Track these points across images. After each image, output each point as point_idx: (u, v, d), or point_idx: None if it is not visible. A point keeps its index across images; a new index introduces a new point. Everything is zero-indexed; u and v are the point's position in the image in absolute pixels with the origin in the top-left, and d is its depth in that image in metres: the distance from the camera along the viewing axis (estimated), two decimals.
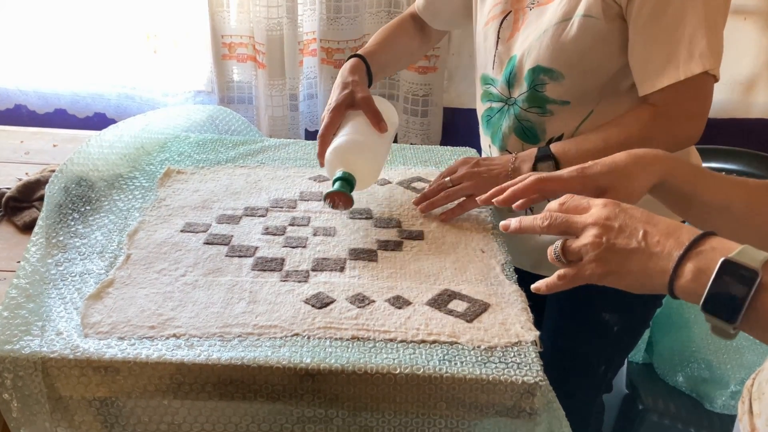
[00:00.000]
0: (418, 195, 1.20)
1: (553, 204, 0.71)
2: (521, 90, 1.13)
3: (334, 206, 1.07)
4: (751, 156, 1.66)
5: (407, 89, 1.93)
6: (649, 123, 1.02)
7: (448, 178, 1.14)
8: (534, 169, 1.07)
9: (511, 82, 1.14)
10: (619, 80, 1.07)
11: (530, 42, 1.09)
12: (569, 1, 1.04)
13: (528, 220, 0.72)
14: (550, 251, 0.70)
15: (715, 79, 1.00)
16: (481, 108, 1.23)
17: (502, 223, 0.75)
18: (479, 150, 1.47)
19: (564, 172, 0.80)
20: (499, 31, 1.15)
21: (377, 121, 1.13)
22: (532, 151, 1.09)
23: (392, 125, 1.20)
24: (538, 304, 1.02)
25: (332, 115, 1.13)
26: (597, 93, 1.08)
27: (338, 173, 1.07)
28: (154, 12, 1.89)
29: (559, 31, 1.05)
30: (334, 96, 1.16)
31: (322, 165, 1.13)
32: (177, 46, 1.94)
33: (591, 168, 0.79)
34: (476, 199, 0.96)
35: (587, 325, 1.26)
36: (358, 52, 1.26)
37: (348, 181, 1.06)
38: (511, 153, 1.15)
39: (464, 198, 1.13)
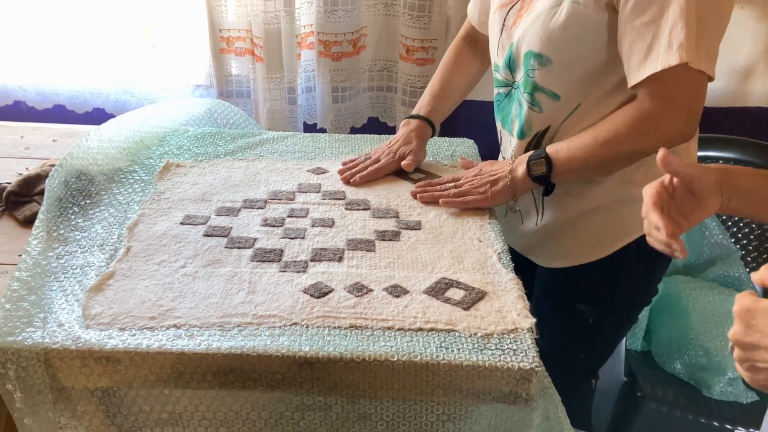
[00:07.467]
0: (416, 185, 1.24)
1: None
2: (521, 75, 1.14)
3: None
4: (749, 144, 1.65)
5: (405, 81, 1.93)
6: (635, 118, 1.01)
7: (452, 184, 1.21)
8: (527, 169, 1.10)
9: (511, 67, 1.15)
10: (608, 73, 1.06)
11: (525, 27, 1.10)
12: None
13: None
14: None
15: (708, 78, 0.97)
16: (494, 94, 1.25)
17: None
18: (477, 141, 1.47)
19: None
20: (504, 19, 1.16)
21: None
22: (528, 153, 1.12)
23: None
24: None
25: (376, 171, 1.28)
26: (585, 85, 1.08)
27: None
28: (152, 7, 1.89)
29: (550, 16, 1.05)
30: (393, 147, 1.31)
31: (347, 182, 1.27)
32: (175, 41, 1.95)
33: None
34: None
35: (563, 313, 1.26)
36: (421, 113, 1.35)
37: None
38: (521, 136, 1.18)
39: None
